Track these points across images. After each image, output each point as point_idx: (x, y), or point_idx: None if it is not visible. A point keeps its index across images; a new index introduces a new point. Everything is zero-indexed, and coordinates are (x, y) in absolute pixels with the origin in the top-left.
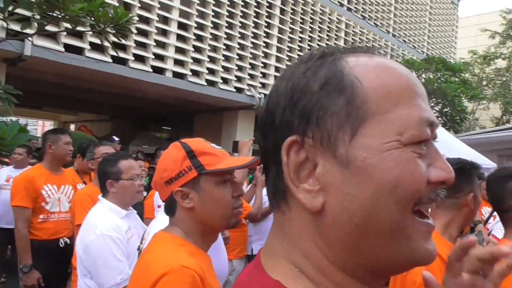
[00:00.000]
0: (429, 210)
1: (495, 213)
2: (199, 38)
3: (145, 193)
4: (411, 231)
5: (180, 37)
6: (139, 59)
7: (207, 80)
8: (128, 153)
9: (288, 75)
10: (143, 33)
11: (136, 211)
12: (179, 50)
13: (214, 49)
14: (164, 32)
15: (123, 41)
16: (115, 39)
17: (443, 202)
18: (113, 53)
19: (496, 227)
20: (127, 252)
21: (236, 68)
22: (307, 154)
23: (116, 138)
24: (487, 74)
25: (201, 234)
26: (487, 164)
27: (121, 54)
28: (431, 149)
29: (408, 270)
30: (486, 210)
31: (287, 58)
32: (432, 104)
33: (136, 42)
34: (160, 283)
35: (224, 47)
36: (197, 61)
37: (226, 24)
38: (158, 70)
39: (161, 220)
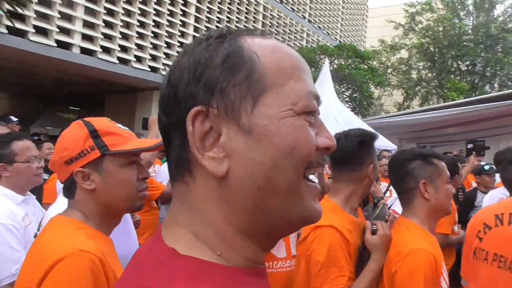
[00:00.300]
0: (329, 184)
1: (391, 188)
2: (110, 12)
3: (46, 176)
4: (303, 192)
5: (88, 10)
6: (41, 32)
7: (119, 58)
8: (24, 133)
9: (189, 51)
10: (46, 3)
11: (36, 196)
12: (87, 24)
13: (127, 25)
14: (70, 4)
15: (21, 11)
16: (11, 8)
17: (346, 175)
18: (9, 23)
19: (396, 203)
20: (24, 241)
21: (151, 46)
22: (211, 124)
23: (14, 118)
24: (392, 62)
25: (103, 217)
26: (389, 146)
27: (19, 25)
28: (317, 121)
29: (300, 228)
30: (383, 185)
31: None
32: (343, 90)
33: (37, 12)
34: (56, 269)
35: (138, 24)
36: (108, 37)
37: (141, 0)
38: (64, 45)
39: (60, 204)
